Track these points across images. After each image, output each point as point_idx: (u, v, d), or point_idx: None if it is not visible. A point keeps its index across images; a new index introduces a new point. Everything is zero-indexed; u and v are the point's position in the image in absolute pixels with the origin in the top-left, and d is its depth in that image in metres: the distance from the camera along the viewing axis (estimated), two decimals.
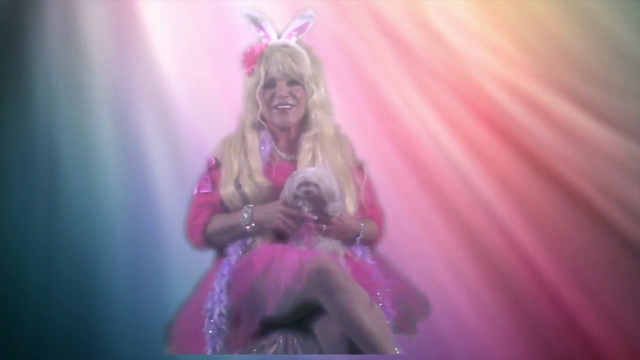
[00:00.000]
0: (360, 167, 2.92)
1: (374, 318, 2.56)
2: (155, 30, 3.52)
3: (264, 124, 2.87)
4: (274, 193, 2.79)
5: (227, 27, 3.42)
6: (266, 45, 2.87)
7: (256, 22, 2.89)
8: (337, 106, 2.95)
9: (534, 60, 3.53)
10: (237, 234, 2.78)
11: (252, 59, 2.85)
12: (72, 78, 3.43)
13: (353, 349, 2.56)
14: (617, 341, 3.37)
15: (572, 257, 3.44)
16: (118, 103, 3.47)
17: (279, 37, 2.89)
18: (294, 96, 2.84)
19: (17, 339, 3.30)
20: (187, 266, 2.99)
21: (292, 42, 2.88)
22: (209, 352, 2.65)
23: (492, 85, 3.53)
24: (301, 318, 2.66)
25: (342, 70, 3.45)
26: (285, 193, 2.75)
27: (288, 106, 2.84)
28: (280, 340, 2.67)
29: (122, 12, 3.48)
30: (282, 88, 2.83)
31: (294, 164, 2.84)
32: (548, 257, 3.45)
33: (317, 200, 2.73)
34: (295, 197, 2.73)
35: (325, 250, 2.72)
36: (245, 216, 2.76)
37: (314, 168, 2.78)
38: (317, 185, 2.72)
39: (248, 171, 2.81)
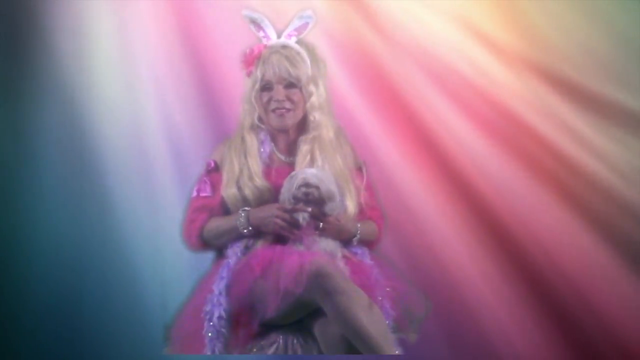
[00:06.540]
0: (360, 169, 2.90)
1: (373, 320, 2.54)
2: (156, 29, 3.51)
3: (262, 126, 2.85)
4: (274, 195, 2.78)
5: (227, 26, 3.40)
6: (265, 46, 2.83)
7: (255, 23, 2.85)
8: (337, 105, 2.94)
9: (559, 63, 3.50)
10: (234, 237, 2.77)
11: (251, 60, 2.83)
12: (73, 76, 3.44)
13: (352, 350, 2.56)
14: None
15: (572, 260, 3.44)
16: (117, 102, 3.47)
17: (279, 37, 2.85)
18: (290, 100, 2.81)
19: (16, 340, 3.30)
20: (187, 267, 3.00)
21: (291, 42, 2.84)
22: (208, 353, 2.64)
23: (499, 80, 3.50)
24: (301, 318, 2.66)
25: (344, 69, 3.44)
26: (284, 194, 2.73)
27: (285, 110, 2.81)
28: (280, 341, 2.67)
29: (120, 11, 3.47)
30: (278, 92, 2.80)
31: (292, 166, 2.82)
32: (551, 258, 3.45)
33: (317, 202, 2.71)
34: (295, 198, 2.71)
35: (324, 251, 2.71)
36: (242, 220, 2.75)
37: (314, 169, 2.76)
38: (317, 187, 2.71)
39: (248, 173, 2.79)
